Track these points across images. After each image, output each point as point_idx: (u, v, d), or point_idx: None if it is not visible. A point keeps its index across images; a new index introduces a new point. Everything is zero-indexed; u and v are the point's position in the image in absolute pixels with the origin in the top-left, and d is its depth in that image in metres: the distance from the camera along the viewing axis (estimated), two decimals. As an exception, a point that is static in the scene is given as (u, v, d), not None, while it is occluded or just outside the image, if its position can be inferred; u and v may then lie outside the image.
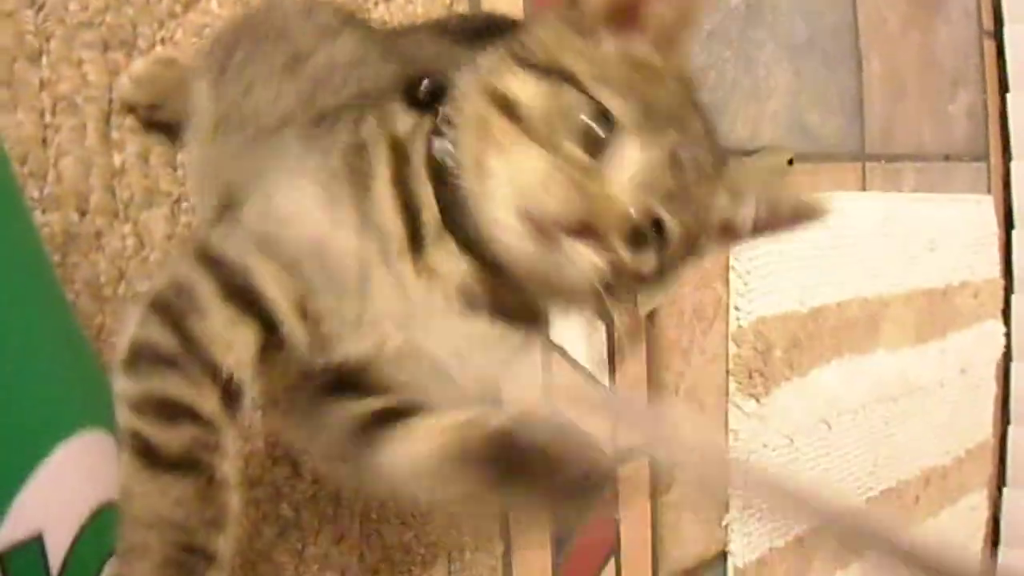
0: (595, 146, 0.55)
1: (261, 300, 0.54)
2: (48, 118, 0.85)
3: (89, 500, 0.46)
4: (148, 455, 0.47)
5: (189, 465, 0.47)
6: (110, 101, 0.89)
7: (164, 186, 0.91)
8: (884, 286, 1.84)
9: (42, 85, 0.85)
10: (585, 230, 0.52)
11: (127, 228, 0.89)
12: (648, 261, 0.56)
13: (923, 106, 2.01)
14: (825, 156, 1.74)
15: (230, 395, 0.51)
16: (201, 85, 0.82)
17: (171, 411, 0.48)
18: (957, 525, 2.17)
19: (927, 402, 2.01)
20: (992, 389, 2.25)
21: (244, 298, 0.54)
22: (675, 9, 0.58)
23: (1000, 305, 2.22)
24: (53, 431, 0.44)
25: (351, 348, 0.57)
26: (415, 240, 0.57)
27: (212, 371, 0.50)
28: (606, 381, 1.34)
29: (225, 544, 0.48)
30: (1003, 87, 2.24)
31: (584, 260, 0.53)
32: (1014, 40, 2.23)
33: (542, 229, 0.52)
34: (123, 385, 0.49)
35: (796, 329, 1.63)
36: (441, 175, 0.57)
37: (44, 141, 0.85)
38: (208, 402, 0.49)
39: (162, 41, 0.93)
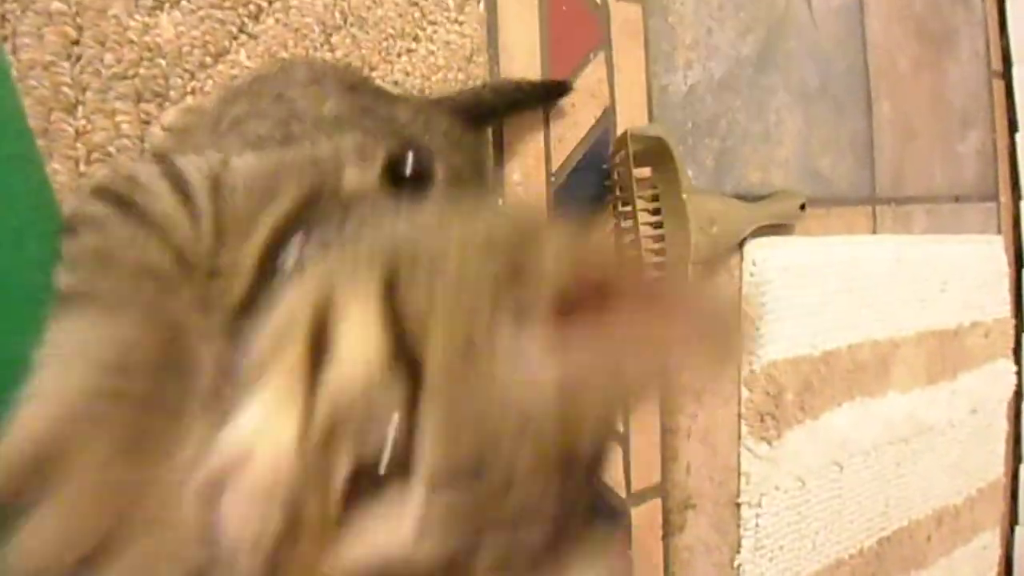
0: (360, 484, 0.38)
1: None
2: (83, 167, 0.88)
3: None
4: (88, 305, 0.43)
5: (131, 300, 0.43)
6: (142, 151, 0.91)
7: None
8: (895, 328, 1.85)
9: (77, 135, 0.88)
10: None
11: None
12: None
13: (933, 147, 2.03)
14: (836, 200, 1.75)
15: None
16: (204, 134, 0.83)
17: (106, 260, 0.45)
18: (970, 565, 2.16)
19: (938, 442, 2.01)
20: (1003, 428, 2.24)
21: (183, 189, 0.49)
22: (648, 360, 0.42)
23: (1011, 344, 2.22)
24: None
25: None
26: None
27: (152, 225, 0.47)
28: (620, 424, 1.34)
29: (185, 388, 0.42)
30: (1012, 127, 2.26)
31: None
32: (1023, 81, 2.25)
33: None
34: (66, 247, 0.46)
35: (808, 372, 1.64)
36: None
37: (79, 190, 0.87)
38: (149, 248, 0.46)
39: (192, 92, 0.96)
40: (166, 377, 0.41)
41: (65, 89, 0.87)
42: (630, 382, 0.42)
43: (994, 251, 2.18)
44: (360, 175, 0.51)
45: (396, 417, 0.37)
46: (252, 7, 1.01)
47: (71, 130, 0.87)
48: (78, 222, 0.47)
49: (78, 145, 0.88)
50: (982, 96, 2.22)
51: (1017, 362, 2.24)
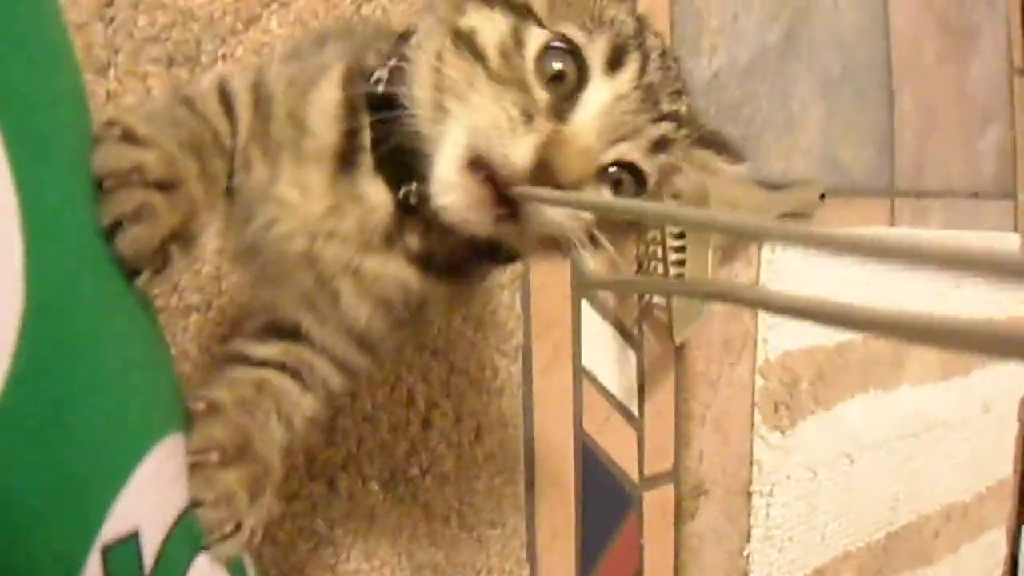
0: (563, 86, 0.55)
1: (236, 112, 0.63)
2: (113, 130, 0.87)
3: (178, 500, 0.48)
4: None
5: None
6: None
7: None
8: (910, 321, 1.84)
9: (108, 96, 0.88)
10: (547, 180, 0.52)
11: (183, 240, 0.90)
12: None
13: (953, 142, 2.03)
14: (855, 191, 1.75)
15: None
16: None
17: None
18: (976, 562, 2.16)
19: (949, 438, 2.01)
20: (1014, 427, 2.24)
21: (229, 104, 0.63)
22: None
23: None
24: (151, 432, 0.46)
25: (256, 218, 0.62)
26: (345, 158, 0.60)
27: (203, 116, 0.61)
28: (635, 409, 1.35)
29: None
30: (1032, 125, 2.25)
31: (546, 215, 0.54)
32: (1044, 79, 2.24)
33: (490, 186, 0.53)
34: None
35: (822, 363, 1.64)
36: (382, 109, 0.59)
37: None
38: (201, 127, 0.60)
39: (223, 57, 0.96)
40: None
41: (98, 51, 0.87)
42: None
43: (1010, 249, 2.17)
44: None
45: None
46: (284, -25, 1.01)
47: (102, 92, 0.87)
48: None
49: (109, 107, 0.87)
50: (1003, 92, 2.21)
51: (1030, 361, 2.23)
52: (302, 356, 0.66)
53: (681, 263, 1.29)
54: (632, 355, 1.34)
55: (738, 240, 1.44)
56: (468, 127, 0.54)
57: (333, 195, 0.60)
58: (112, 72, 0.88)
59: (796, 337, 1.58)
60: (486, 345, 1.14)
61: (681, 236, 1.30)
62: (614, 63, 0.56)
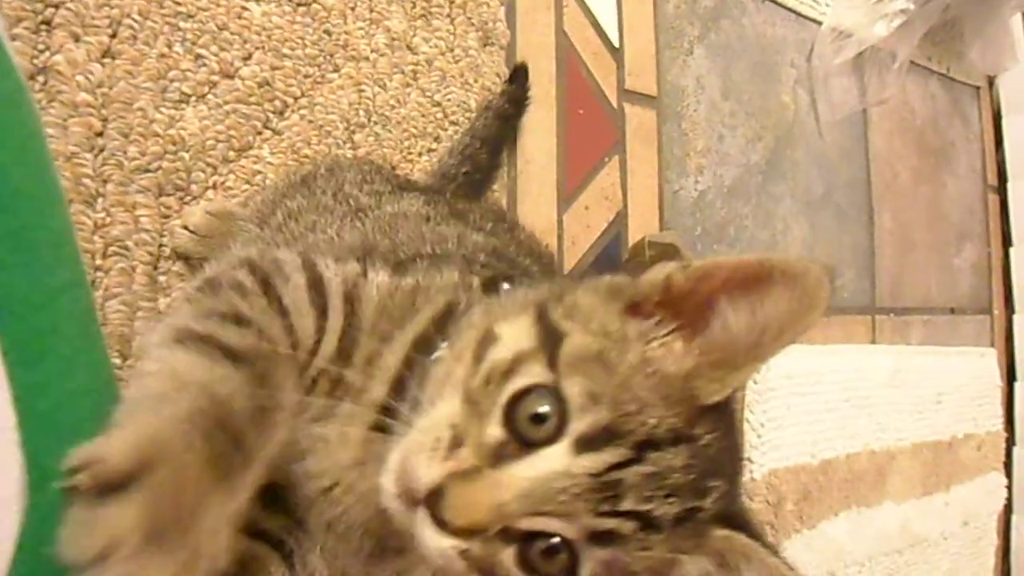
0: (536, 431, 0.51)
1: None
2: (99, 260, 0.86)
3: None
4: (214, 350, 0.52)
5: (249, 360, 0.53)
6: (160, 246, 0.90)
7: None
8: (892, 438, 1.84)
9: (96, 227, 0.86)
10: (439, 511, 0.49)
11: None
12: (508, 556, 0.51)
13: (931, 259, 2.05)
14: (837, 309, 1.76)
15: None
16: (249, 226, 0.86)
17: (241, 322, 0.55)
18: None
19: (930, 554, 1.99)
20: (993, 541, 2.22)
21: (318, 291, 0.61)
22: (747, 331, 0.53)
23: (1002, 457, 2.21)
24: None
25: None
26: (385, 414, 0.57)
27: (283, 312, 0.58)
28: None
29: (260, 448, 0.51)
30: (1007, 241, 2.29)
31: (432, 542, 0.50)
32: (1018, 195, 2.29)
33: (407, 495, 0.51)
34: (204, 300, 0.58)
35: (807, 482, 1.62)
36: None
37: (92, 284, 0.85)
38: (274, 327, 0.57)
39: (214, 186, 0.95)
40: (252, 425, 0.50)
41: (86, 181, 0.86)
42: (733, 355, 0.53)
43: (987, 364, 2.18)
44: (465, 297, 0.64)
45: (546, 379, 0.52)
46: (278, 103, 1.01)
47: (90, 223, 0.86)
48: (224, 281, 0.59)
49: (95, 238, 0.86)
50: (978, 210, 2.25)
51: (1008, 475, 2.23)
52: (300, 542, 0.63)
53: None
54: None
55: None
56: (416, 431, 0.53)
57: (363, 449, 0.58)
58: (100, 203, 0.87)
59: (781, 456, 1.57)
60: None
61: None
62: (588, 443, 0.51)
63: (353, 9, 1.09)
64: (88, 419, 0.42)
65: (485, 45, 1.22)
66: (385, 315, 0.61)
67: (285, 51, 1.02)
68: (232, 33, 0.98)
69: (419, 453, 0.51)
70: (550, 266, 0.98)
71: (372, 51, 1.10)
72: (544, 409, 0.52)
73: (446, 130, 1.15)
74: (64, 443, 0.39)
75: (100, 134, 0.87)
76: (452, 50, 1.18)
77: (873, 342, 1.86)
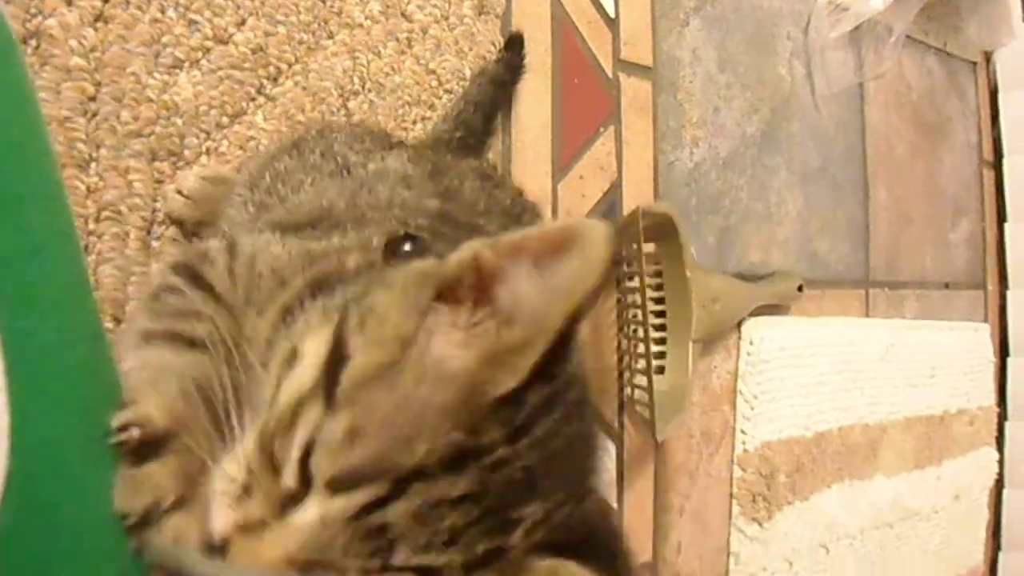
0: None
1: None
2: (92, 225, 0.86)
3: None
4: (177, 341, 0.55)
5: (212, 344, 0.53)
6: (154, 210, 0.90)
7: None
8: (884, 412, 1.85)
9: (89, 192, 0.86)
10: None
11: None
12: None
13: (926, 234, 2.05)
14: (832, 282, 1.76)
15: None
16: (241, 190, 0.86)
17: (190, 315, 0.56)
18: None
19: (921, 528, 2.00)
20: (984, 516, 2.23)
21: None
22: (538, 301, 0.45)
23: (994, 432, 2.22)
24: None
25: None
26: None
27: (217, 297, 0.58)
28: (615, 501, 1.33)
29: None
30: (1001, 217, 2.29)
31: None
32: (1013, 171, 2.28)
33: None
34: (153, 306, 0.60)
35: (800, 453, 1.63)
36: None
37: (85, 249, 0.85)
38: (218, 312, 0.56)
39: (207, 152, 0.95)
40: (222, 393, 0.50)
41: (80, 145, 0.86)
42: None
43: (981, 339, 2.19)
44: (362, 258, 0.59)
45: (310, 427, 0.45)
46: (272, 69, 1.00)
47: (83, 187, 0.86)
48: (162, 289, 0.61)
49: (88, 203, 0.86)
50: (973, 185, 2.25)
51: (1000, 450, 2.24)
52: None
53: (662, 355, 1.29)
54: (612, 447, 1.33)
55: (718, 331, 1.44)
56: (225, 463, 0.48)
57: None
58: (93, 167, 0.87)
59: (774, 427, 1.58)
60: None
61: (662, 328, 1.30)
62: (341, 484, 0.44)
63: (347, -25, 1.09)
64: (75, 368, 0.43)
65: (480, 14, 1.22)
66: (263, 284, 0.59)
67: (279, 17, 1.02)
68: (225, -2, 0.98)
69: (215, 497, 0.46)
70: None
71: (366, 18, 1.10)
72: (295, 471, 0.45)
73: (440, 98, 1.15)
74: (49, 390, 0.40)
75: (93, 99, 0.87)
76: (447, 18, 1.18)
77: (867, 315, 1.86)
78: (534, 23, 1.28)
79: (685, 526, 1.45)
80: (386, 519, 0.43)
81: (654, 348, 1.23)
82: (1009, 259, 2.27)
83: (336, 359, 0.46)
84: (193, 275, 0.60)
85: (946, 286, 2.11)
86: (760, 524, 1.55)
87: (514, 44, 1.22)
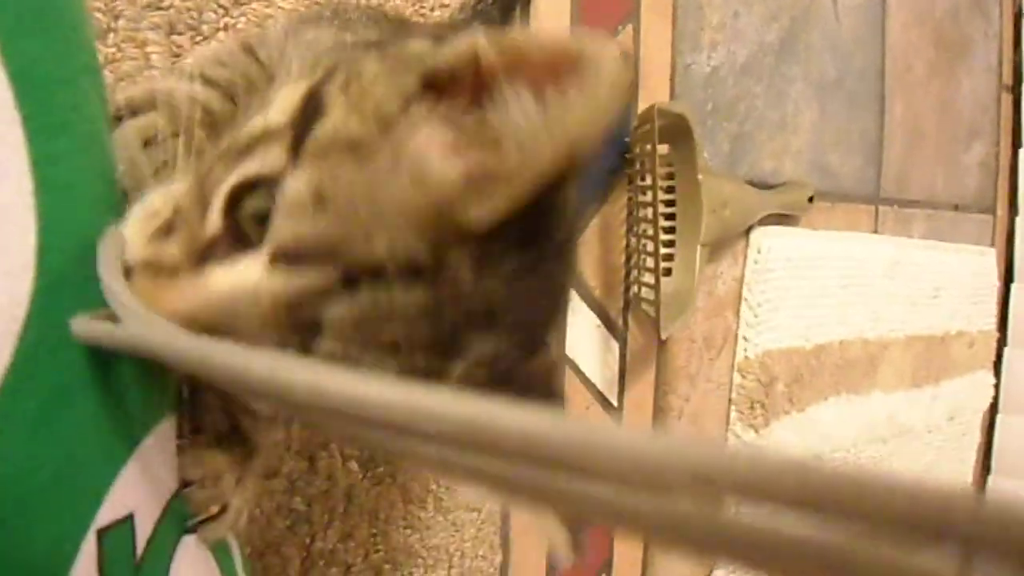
0: (252, 232, 0.42)
1: None
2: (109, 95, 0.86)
3: (169, 483, 0.47)
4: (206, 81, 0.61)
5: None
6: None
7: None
8: (886, 329, 1.87)
9: (106, 62, 0.86)
10: None
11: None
12: None
13: (939, 155, 2.04)
14: (842, 196, 1.76)
15: None
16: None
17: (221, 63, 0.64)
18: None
19: (914, 446, 2.04)
20: (976, 438, 2.27)
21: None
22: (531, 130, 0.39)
23: (992, 357, 2.24)
24: (149, 418, 0.45)
25: None
26: None
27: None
28: (615, 399, 1.35)
29: None
30: (1016, 143, 2.27)
31: None
32: (1033, 98, 2.27)
33: None
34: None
35: (799, 364, 1.65)
36: None
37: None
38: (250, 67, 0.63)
39: (225, 27, 0.94)
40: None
41: (98, 15, 0.86)
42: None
43: (986, 263, 2.20)
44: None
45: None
46: (291, -54, 0.99)
47: (100, 57, 0.86)
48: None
49: (106, 72, 0.86)
50: (990, 109, 2.23)
51: (996, 375, 2.27)
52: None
53: (670, 257, 1.30)
54: (615, 346, 1.34)
55: (726, 237, 1.45)
56: (152, 194, 0.46)
57: None
58: (111, 38, 0.86)
59: (776, 337, 1.59)
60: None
61: (671, 231, 1.30)
62: (288, 258, 0.40)
63: None
64: (100, 198, 0.44)
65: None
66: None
67: None
68: None
69: (135, 221, 0.44)
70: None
71: (387, -100, 1.08)
72: (264, 207, 0.41)
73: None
74: (75, 215, 0.41)
75: (112, -33, 0.87)
76: (470, -95, 1.16)
77: (875, 231, 1.87)
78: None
79: (683, 429, 1.48)
80: (323, 316, 0.40)
81: (663, 250, 1.24)
82: (1021, 185, 2.26)
83: (311, 111, 0.43)
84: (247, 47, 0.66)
85: (955, 208, 2.11)
86: (756, 431, 1.58)
87: None
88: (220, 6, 0.94)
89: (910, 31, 1.94)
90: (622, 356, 1.35)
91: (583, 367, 1.29)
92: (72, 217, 0.40)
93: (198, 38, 0.92)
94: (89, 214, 0.42)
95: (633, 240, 1.29)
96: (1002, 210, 2.28)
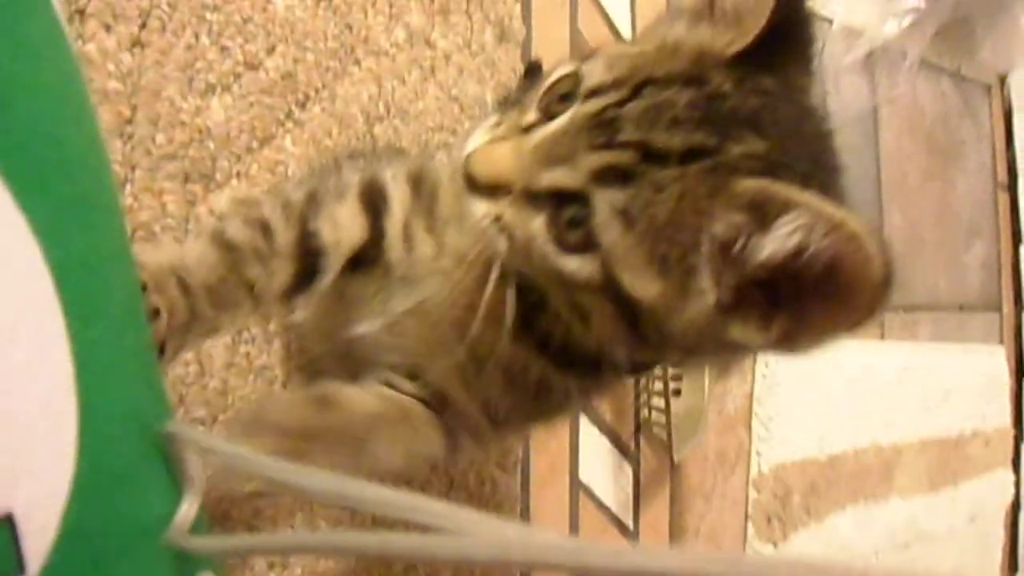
0: (557, 109, 0.57)
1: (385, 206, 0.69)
2: (126, 246, 0.88)
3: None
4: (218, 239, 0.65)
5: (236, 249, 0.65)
6: (186, 231, 0.92)
7: (229, 316, 0.94)
8: (899, 434, 1.86)
9: (124, 212, 0.89)
10: (489, 190, 0.56)
11: (190, 355, 0.90)
12: (538, 224, 0.54)
13: (939, 257, 2.06)
14: (847, 305, 1.77)
15: (307, 254, 0.67)
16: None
17: (259, 224, 0.67)
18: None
19: (937, 549, 2.00)
20: (1000, 537, 2.23)
21: (374, 199, 0.69)
22: None
23: (1010, 454, 2.22)
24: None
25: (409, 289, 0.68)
26: None
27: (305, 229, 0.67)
28: (631, 522, 1.34)
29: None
30: (1016, 239, 2.30)
31: (473, 208, 0.56)
32: (1028, 194, 2.30)
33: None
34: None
35: (815, 475, 1.64)
36: None
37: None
38: (284, 237, 0.66)
39: (238, 175, 0.97)
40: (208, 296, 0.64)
41: (116, 167, 0.88)
42: None
43: (996, 361, 2.20)
44: None
45: None
46: (300, 95, 1.03)
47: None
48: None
49: (123, 216, 0.88)
50: (988, 208, 2.26)
51: (1016, 472, 2.24)
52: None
53: (679, 378, 1.30)
54: (628, 469, 1.34)
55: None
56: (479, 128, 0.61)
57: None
58: (128, 188, 0.89)
59: (789, 450, 1.59)
60: (485, 460, 1.14)
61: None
62: (592, 94, 0.55)
63: (374, 4, 1.12)
64: (135, 377, 0.45)
65: (501, 41, 1.24)
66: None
67: (308, 44, 1.04)
68: (256, 25, 1.00)
69: (473, 137, 0.58)
70: None
71: (392, 46, 1.12)
72: (567, 89, 0.57)
73: (462, 124, 1.17)
74: (112, 396, 0.42)
75: (129, 121, 0.90)
76: (469, 46, 1.20)
77: (882, 338, 1.87)
78: (553, 50, 1.30)
79: (701, 547, 1.46)
80: (620, 113, 0.53)
81: (671, 371, 1.25)
82: (1024, 281, 2.28)
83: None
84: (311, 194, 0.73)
85: (960, 308, 2.12)
86: (775, 545, 1.56)
87: (533, 72, 1.24)
88: (233, 154, 0.97)
89: (903, 139, 1.99)
90: (636, 478, 1.34)
91: (597, 492, 1.28)
92: (111, 399, 0.41)
93: (212, 185, 0.95)
94: (126, 396, 0.43)
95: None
96: (1008, 307, 2.29)
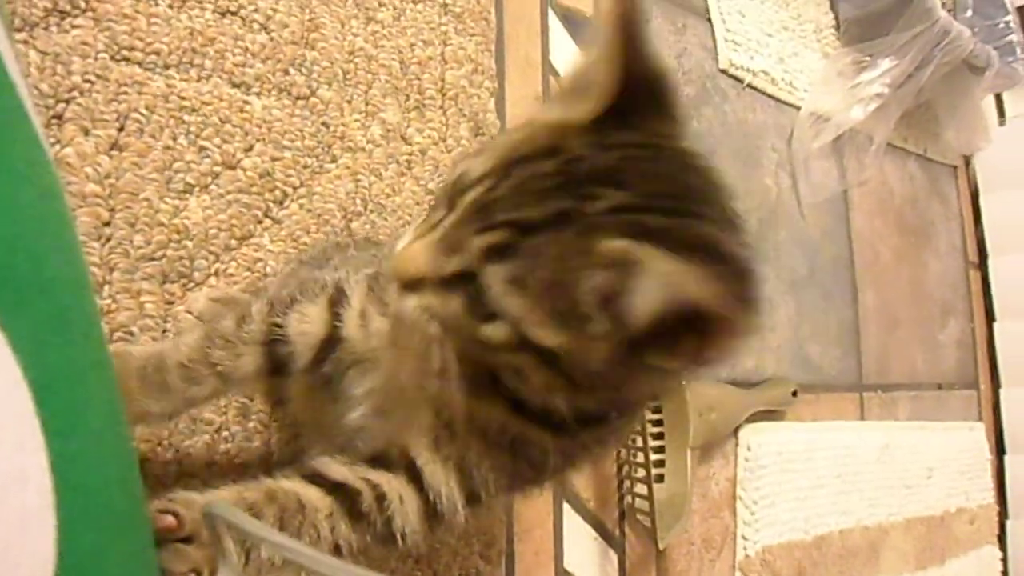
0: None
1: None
2: (104, 347, 0.88)
3: None
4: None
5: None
6: (164, 331, 0.92)
7: (208, 415, 0.93)
8: (884, 514, 1.85)
9: (102, 314, 0.89)
10: (413, 285, 0.60)
11: (170, 455, 0.90)
12: (456, 305, 0.58)
13: (915, 336, 2.09)
14: (825, 387, 1.78)
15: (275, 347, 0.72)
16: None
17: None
18: None
19: (927, 632, 1.98)
20: (990, 615, 2.21)
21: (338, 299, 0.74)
22: None
23: (996, 531, 2.21)
24: None
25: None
26: None
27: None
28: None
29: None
30: (990, 316, 2.33)
31: (409, 304, 0.61)
32: (999, 271, 2.34)
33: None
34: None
35: (801, 557, 1.63)
36: None
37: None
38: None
39: (216, 274, 0.98)
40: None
41: (94, 269, 0.89)
42: None
43: (976, 438, 2.21)
44: None
45: None
46: (278, 192, 1.04)
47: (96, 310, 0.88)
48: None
49: (102, 325, 0.88)
50: (960, 286, 2.30)
51: (1002, 548, 2.23)
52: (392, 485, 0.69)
53: (661, 463, 1.30)
54: (614, 556, 1.32)
55: (715, 438, 1.45)
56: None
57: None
58: (107, 289, 0.89)
59: (775, 532, 1.58)
60: (469, 552, 1.13)
61: (660, 437, 1.31)
62: (472, 184, 0.60)
63: (350, 102, 1.14)
64: (114, 485, 0.45)
65: (476, 135, 1.27)
66: None
67: (285, 143, 1.06)
68: (234, 126, 1.02)
69: (402, 238, 0.63)
70: None
71: (368, 142, 1.15)
72: (465, 183, 0.61)
73: (439, 217, 1.19)
74: (91, 508, 0.42)
75: (107, 224, 0.91)
76: (444, 140, 1.23)
77: (862, 419, 1.88)
78: (528, 143, 1.33)
79: (687, 635, 1.44)
80: (493, 197, 0.58)
81: (653, 457, 1.25)
82: (1000, 358, 2.31)
83: None
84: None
85: (939, 387, 2.14)
86: (764, 631, 1.54)
87: None
88: (211, 253, 0.97)
89: (874, 220, 2.03)
90: (621, 566, 1.33)
91: (582, 579, 1.27)
92: (87, 509, 0.41)
93: (190, 285, 0.95)
94: (102, 502, 0.43)
95: (623, 450, 1.30)
96: (985, 384, 2.31)
